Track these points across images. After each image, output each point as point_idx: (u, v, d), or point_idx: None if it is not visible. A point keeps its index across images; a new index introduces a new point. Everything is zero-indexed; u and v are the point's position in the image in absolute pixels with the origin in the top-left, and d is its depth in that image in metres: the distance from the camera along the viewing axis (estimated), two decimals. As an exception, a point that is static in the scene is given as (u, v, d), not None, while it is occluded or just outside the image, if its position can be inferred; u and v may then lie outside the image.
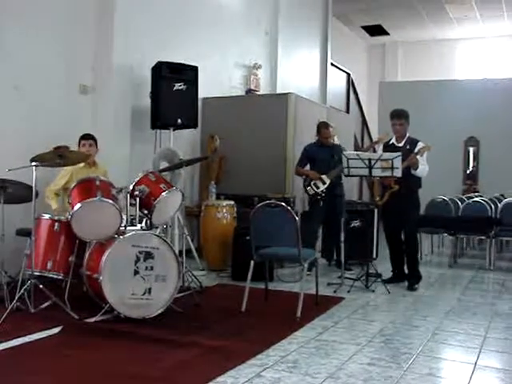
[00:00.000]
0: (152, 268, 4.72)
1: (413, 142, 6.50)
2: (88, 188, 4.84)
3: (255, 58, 10.26)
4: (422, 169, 6.36)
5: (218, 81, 9.18)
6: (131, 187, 5.13)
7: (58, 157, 4.85)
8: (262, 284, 5.79)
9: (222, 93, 9.17)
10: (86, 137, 5.98)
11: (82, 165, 5.76)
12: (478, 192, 12.53)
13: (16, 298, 4.59)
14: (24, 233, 5.30)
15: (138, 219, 5.10)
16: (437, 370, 3.82)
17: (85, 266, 4.86)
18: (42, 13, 6.38)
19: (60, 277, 4.96)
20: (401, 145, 6.54)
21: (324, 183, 7.29)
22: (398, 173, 6.01)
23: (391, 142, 6.66)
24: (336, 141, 7.62)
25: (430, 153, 6.38)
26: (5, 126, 5.97)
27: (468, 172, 14.05)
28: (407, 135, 6.60)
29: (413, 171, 6.32)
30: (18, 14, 6.11)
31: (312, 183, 7.32)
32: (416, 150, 6.32)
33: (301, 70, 11.85)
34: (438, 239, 10.04)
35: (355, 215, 7.63)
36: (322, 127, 7.50)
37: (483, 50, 16.95)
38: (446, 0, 13.83)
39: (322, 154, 7.38)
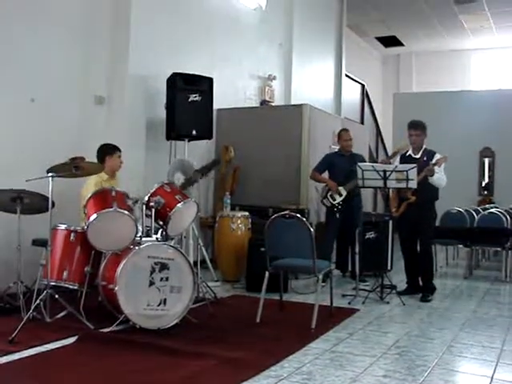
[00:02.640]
0: (167, 279, 4.73)
1: (430, 154, 6.49)
2: (104, 199, 4.87)
3: (270, 69, 10.30)
4: (440, 178, 6.33)
5: (232, 92, 9.22)
6: (147, 198, 5.16)
7: (74, 168, 4.88)
8: (277, 295, 5.79)
9: (237, 104, 9.21)
10: (119, 150, 6.01)
11: (106, 177, 5.81)
12: (493, 203, 12.45)
13: (32, 307, 4.59)
14: (40, 243, 5.33)
15: (153, 230, 5.13)
16: (452, 383, 3.79)
17: (100, 276, 4.89)
18: (58, 25, 6.45)
19: (75, 287, 4.97)
20: (418, 156, 6.53)
21: (341, 195, 7.30)
22: (413, 184, 5.99)
23: (408, 154, 6.65)
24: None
25: (445, 164, 6.37)
26: (22, 137, 6.03)
27: (483, 183, 13.97)
28: (424, 147, 6.59)
29: (430, 179, 6.30)
30: (34, 27, 6.18)
31: (329, 195, 7.33)
32: (433, 162, 6.31)
33: (315, 81, 11.87)
34: (453, 251, 9.99)
35: (370, 226, 7.60)
36: (342, 131, 7.63)
37: (498, 61, 16.90)
38: (460, 11, 13.81)
39: (341, 163, 7.41)
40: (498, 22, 14.48)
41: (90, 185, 5.65)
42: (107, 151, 5.95)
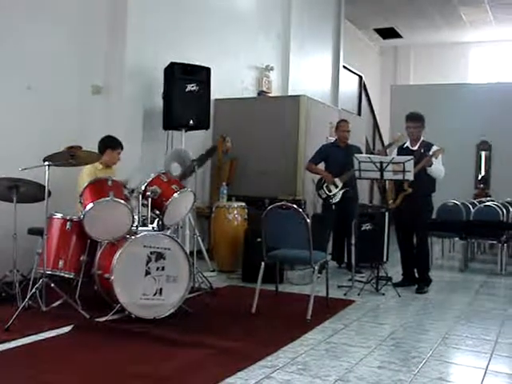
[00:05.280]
0: (163, 268, 4.73)
1: (427, 146, 6.48)
2: (100, 188, 4.86)
3: (267, 59, 10.27)
4: (438, 169, 6.34)
5: (230, 82, 9.19)
6: (143, 188, 5.15)
7: (71, 156, 4.87)
8: (273, 286, 5.80)
9: (234, 94, 9.19)
10: (121, 147, 5.96)
11: (100, 167, 5.79)
12: (489, 196, 12.46)
13: (28, 296, 4.61)
14: (36, 232, 5.32)
15: (149, 220, 5.12)
16: (447, 374, 3.80)
17: (96, 265, 4.88)
18: (56, 13, 6.41)
19: (71, 276, 4.97)
20: (415, 148, 6.53)
21: (336, 186, 7.30)
22: (410, 176, 5.98)
23: (406, 146, 6.65)
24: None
25: (442, 156, 6.37)
26: (18, 125, 6.01)
27: (480, 176, 13.98)
28: (422, 139, 6.58)
29: (428, 170, 6.30)
30: (32, 15, 6.14)
31: (324, 186, 7.33)
32: (430, 153, 6.31)
33: (313, 73, 11.84)
34: (449, 243, 9.99)
35: (366, 218, 7.61)
36: (341, 122, 7.65)
37: (497, 54, 16.87)
38: (459, 3, 13.77)
39: (337, 155, 7.41)
40: (498, 14, 14.43)
41: (84, 174, 5.64)
42: (110, 144, 5.91)
